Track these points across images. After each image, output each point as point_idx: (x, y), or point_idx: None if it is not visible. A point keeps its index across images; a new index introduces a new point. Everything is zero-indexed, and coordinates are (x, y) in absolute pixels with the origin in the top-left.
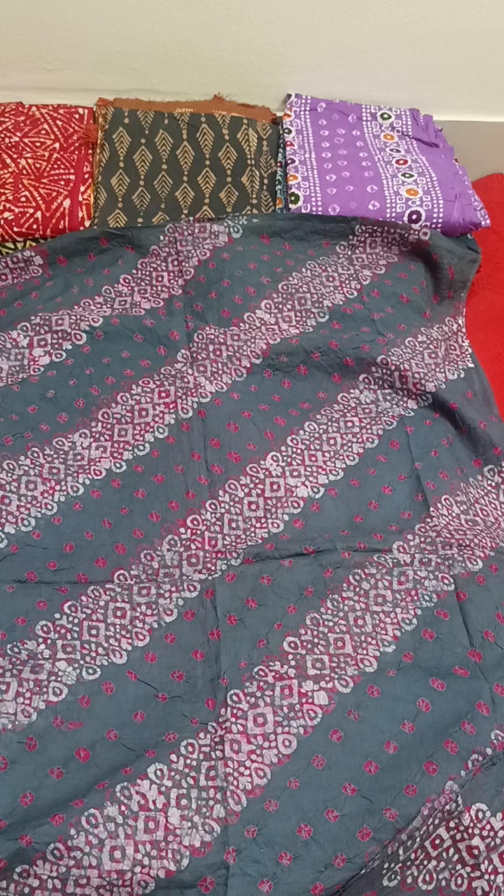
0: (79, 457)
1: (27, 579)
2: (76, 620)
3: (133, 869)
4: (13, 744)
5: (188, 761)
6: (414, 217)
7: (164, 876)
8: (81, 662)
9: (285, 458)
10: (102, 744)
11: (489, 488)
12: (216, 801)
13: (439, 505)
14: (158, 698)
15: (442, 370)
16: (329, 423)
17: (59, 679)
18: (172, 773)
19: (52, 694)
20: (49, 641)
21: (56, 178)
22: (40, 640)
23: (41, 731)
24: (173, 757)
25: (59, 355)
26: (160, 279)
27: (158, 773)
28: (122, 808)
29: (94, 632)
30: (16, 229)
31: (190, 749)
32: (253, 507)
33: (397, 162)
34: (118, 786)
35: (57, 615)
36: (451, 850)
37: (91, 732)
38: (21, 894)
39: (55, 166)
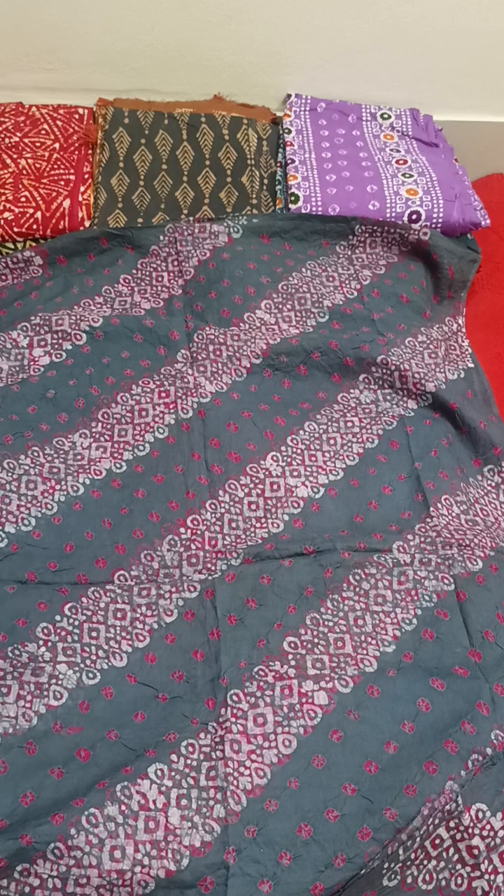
0: (79, 457)
1: (27, 580)
2: (76, 622)
3: (133, 869)
4: (13, 748)
5: (188, 761)
6: (414, 217)
7: (164, 876)
8: (82, 666)
9: (285, 458)
10: (103, 744)
11: (489, 488)
12: (216, 801)
13: (439, 505)
14: (159, 699)
15: (442, 370)
16: (329, 423)
17: (59, 682)
18: (173, 773)
19: (52, 698)
20: (49, 644)
21: (56, 178)
22: (41, 642)
23: (41, 736)
24: (174, 757)
25: (59, 355)
26: (160, 279)
27: (159, 772)
28: (123, 807)
29: (94, 634)
30: (16, 229)
31: (190, 749)
32: (253, 507)
33: (397, 162)
34: (118, 785)
35: (57, 617)
36: (451, 850)
37: (91, 733)
38: (22, 893)
39: (55, 166)
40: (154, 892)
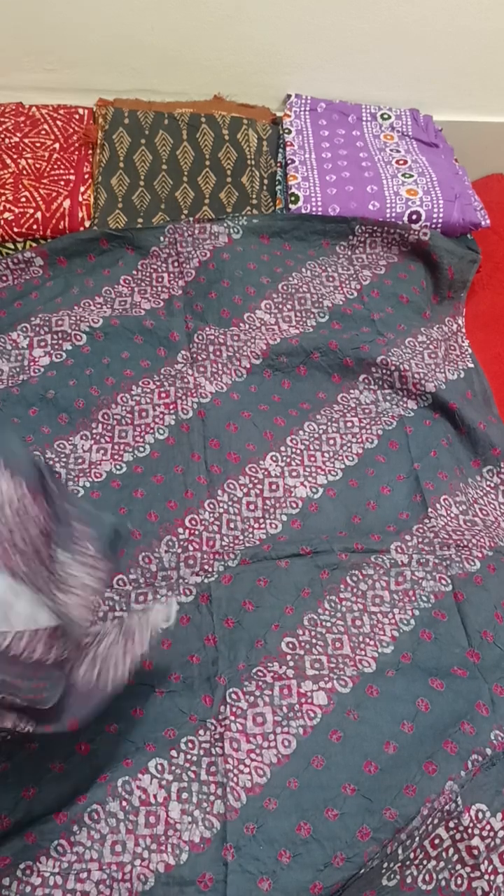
0: (80, 460)
1: None
2: None
3: (133, 862)
4: (14, 750)
5: (189, 756)
6: (414, 217)
7: (164, 870)
8: None
9: (284, 459)
10: (103, 737)
11: (488, 489)
12: (217, 795)
13: (438, 505)
14: (156, 693)
15: (442, 370)
16: (329, 424)
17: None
18: (173, 768)
19: None
20: None
21: (56, 178)
22: None
23: (39, 736)
24: (173, 752)
25: (59, 356)
26: (160, 280)
27: (159, 767)
28: (124, 803)
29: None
30: (16, 230)
31: (190, 745)
32: (251, 507)
33: (397, 162)
34: (119, 780)
35: None
36: (451, 850)
37: (91, 727)
38: (22, 893)
39: (55, 167)
40: (154, 888)
